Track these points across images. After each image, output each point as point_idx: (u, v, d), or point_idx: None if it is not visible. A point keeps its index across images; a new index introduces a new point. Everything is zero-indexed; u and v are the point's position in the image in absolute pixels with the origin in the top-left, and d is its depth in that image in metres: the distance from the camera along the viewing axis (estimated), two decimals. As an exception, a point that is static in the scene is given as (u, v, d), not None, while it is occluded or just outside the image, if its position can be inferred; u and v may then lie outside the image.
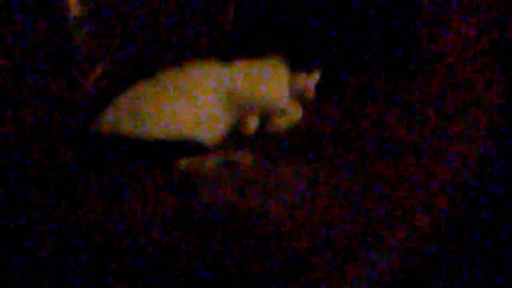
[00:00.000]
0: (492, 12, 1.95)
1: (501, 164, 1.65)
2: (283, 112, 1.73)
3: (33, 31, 1.63)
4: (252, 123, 1.71)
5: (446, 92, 1.78)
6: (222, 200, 1.29)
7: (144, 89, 1.66)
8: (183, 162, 1.47)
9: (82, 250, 1.19)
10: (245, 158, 1.49)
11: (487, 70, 1.90)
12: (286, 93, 1.78)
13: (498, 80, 1.85)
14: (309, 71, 1.80)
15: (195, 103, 1.64)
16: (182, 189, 1.33)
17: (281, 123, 1.70)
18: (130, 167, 1.45)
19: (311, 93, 1.78)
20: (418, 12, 1.96)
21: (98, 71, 1.76)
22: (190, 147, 1.55)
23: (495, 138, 1.65)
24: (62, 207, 1.31)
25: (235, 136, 1.69)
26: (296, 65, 1.81)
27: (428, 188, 1.34)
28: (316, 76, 1.81)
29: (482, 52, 1.95)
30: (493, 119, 1.68)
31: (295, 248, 1.14)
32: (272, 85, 1.75)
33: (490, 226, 1.63)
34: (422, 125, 1.59)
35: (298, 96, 1.79)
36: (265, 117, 1.72)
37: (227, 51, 2.05)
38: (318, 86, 1.80)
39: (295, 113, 1.73)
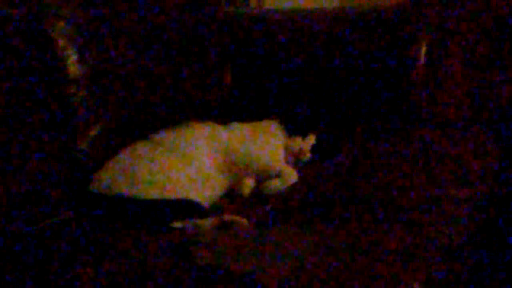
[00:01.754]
0: (486, 74, 1.98)
1: (498, 226, 1.64)
2: (278, 174, 1.73)
3: (31, 92, 1.64)
4: (248, 185, 1.71)
5: (441, 153, 1.79)
6: (217, 262, 1.27)
7: (140, 149, 1.67)
8: (179, 223, 1.46)
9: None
10: (240, 220, 1.49)
11: (481, 132, 1.92)
12: (282, 156, 1.79)
13: (491, 142, 1.87)
14: (304, 134, 1.82)
15: (191, 164, 1.65)
16: (177, 251, 1.32)
17: (277, 185, 1.71)
18: (125, 227, 1.45)
19: (306, 156, 1.80)
20: (413, 74, 1.99)
21: (95, 131, 1.76)
22: (186, 208, 1.54)
23: (491, 201, 1.65)
24: (58, 266, 1.29)
25: (231, 198, 1.69)
26: (292, 129, 1.83)
27: (423, 255, 1.34)
28: (311, 139, 1.82)
29: (476, 113, 1.98)
30: (488, 180, 1.69)
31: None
32: (268, 148, 1.77)
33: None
34: (416, 188, 1.59)
35: (294, 159, 1.80)
36: (261, 179, 1.73)
37: (224, 114, 2.07)
38: (313, 149, 1.82)
39: (290, 176, 1.73)
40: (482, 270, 1.57)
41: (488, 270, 1.60)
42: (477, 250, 1.55)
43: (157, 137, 1.71)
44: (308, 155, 1.80)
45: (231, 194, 1.71)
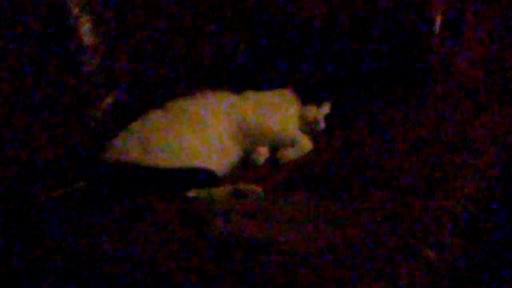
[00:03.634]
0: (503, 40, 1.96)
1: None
2: (293, 143, 1.73)
3: (45, 60, 1.64)
4: (262, 154, 1.71)
5: (456, 121, 1.78)
6: (232, 230, 1.28)
7: (155, 118, 1.67)
8: (193, 192, 1.46)
9: (91, 280, 1.19)
10: (255, 188, 1.49)
11: (498, 99, 1.90)
12: (296, 124, 1.79)
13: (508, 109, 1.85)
14: (319, 102, 1.81)
15: (206, 133, 1.65)
16: (192, 219, 1.32)
17: (291, 154, 1.70)
18: (140, 196, 1.45)
19: (320, 125, 1.79)
20: (429, 42, 1.97)
21: (109, 99, 1.77)
22: (200, 176, 1.55)
23: (506, 169, 1.64)
24: (72, 236, 1.30)
25: (245, 166, 1.69)
26: (306, 97, 1.82)
27: (436, 222, 1.33)
28: (326, 108, 1.82)
29: (492, 80, 1.96)
30: (504, 148, 1.68)
31: (305, 280, 1.13)
32: (283, 117, 1.76)
33: (500, 260, 1.61)
34: (430, 156, 1.59)
35: (308, 128, 1.79)
36: (276, 147, 1.73)
37: (238, 82, 2.06)
38: (327, 118, 1.81)
39: (305, 144, 1.73)
40: (497, 238, 1.57)
41: (503, 238, 1.60)
42: (492, 218, 1.54)
43: (171, 105, 1.71)
44: (323, 123, 1.79)
45: (246, 163, 1.71)
